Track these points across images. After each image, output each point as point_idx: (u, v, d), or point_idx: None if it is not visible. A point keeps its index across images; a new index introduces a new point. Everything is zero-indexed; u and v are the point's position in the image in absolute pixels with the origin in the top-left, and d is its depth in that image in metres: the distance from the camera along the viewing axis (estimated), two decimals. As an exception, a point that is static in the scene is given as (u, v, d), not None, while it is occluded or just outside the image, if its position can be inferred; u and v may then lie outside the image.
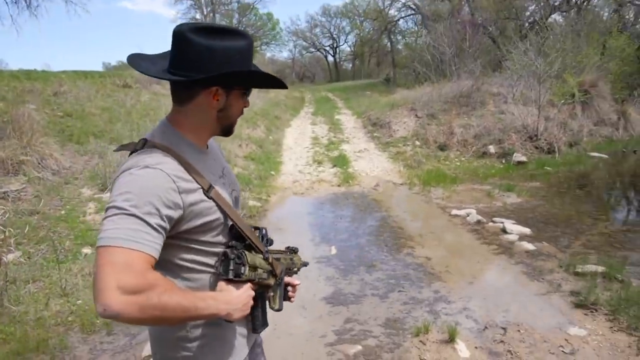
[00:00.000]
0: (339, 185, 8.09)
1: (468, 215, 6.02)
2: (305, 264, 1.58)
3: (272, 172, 8.79)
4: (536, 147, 10.35)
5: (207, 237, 1.22)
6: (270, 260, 1.28)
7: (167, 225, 1.08)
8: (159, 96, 12.49)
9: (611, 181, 8.60)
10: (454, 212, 6.27)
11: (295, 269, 1.52)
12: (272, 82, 1.29)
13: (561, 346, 3.04)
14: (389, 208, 6.71)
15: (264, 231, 1.31)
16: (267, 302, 1.35)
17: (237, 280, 1.16)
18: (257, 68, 1.32)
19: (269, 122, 13.57)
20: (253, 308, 1.30)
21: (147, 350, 3.10)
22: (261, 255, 1.26)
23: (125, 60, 1.34)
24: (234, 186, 1.40)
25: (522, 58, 12.49)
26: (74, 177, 6.45)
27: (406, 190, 7.76)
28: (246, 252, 1.17)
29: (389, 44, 35.05)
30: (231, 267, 1.14)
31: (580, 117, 12.36)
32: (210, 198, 1.17)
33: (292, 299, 1.49)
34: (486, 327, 3.32)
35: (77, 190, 6.05)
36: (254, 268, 1.19)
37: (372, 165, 9.52)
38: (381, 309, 3.67)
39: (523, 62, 12.27)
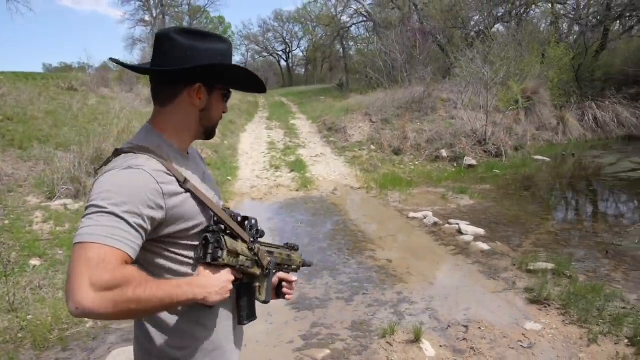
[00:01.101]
0: (297, 190, 8.09)
1: (425, 218, 6.18)
2: (307, 264, 1.58)
3: (229, 178, 8.67)
4: (485, 151, 10.79)
5: (192, 241, 1.21)
6: (256, 250, 1.28)
7: (147, 226, 1.07)
8: (107, 100, 12.04)
9: (554, 183, 9.11)
10: (412, 214, 6.42)
11: (294, 267, 1.51)
12: (254, 82, 1.30)
13: (520, 341, 3.18)
14: (348, 212, 6.78)
15: (253, 221, 1.30)
16: (255, 294, 1.34)
17: (215, 264, 1.16)
18: None
19: (223, 126, 13.36)
20: (238, 298, 1.31)
21: (107, 364, 2.97)
22: (245, 245, 1.25)
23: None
24: (216, 190, 1.40)
25: (470, 65, 13.02)
26: (17, 184, 6.09)
27: (364, 194, 7.88)
28: (226, 237, 1.17)
29: (341, 49, 35.40)
30: (209, 251, 1.15)
31: (524, 122, 13.01)
32: (187, 190, 1.17)
33: (287, 296, 1.49)
34: (449, 326, 3.43)
35: (22, 199, 5.71)
36: (235, 254, 1.20)
37: (330, 169, 9.59)
38: (347, 312, 3.71)
39: (471, 69, 12.78)
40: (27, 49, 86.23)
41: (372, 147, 11.23)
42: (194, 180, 1.23)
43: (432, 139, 11.14)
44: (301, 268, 1.56)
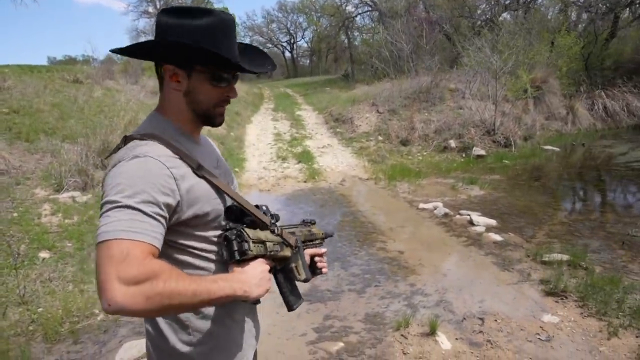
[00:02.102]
0: (305, 181, 8.03)
1: (435, 209, 6.11)
2: (329, 235, 1.55)
3: (236, 169, 8.61)
4: (494, 141, 10.67)
5: (208, 232, 1.16)
6: (278, 231, 1.23)
7: (166, 214, 1.02)
8: (112, 92, 11.99)
9: (564, 173, 8.97)
10: (421, 205, 6.35)
11: (318, 240, 1.48)
12: (229, 62, 1.14)
13: (537, 334, 3.12)
14: (357, 203, 6.71)
15: (264, 208, 1.25)
16: (294, 276, 1.31)
17: (245, 260, 1.11)
18: (231, 51, 1.17)
19: (229, 118, 13.29)
20: (279, 285, 1.28)
21: (119, 358, 2.93)
22: (267, 230, 1.20)
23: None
24: (230, 177, 1.37)
25: (478, 54, 12.85)
26: (25, 177, 6.05)
27: (372, 185, 7.80)
28: (246, 229, 1.12)
29: (346, 40, 35.17)
30: (235, 248, 1.09)
31: (532, 112, 12.86)
32: (201, 177, 1.13)
33: (323, 270, 1.46)
34: (464, 318, 3.37)
35: (30, 191, 5.68)
36: (260, 242, 1.15)
37: (337, 160, 9.51)
38: (359, 304, 3.65)
39: (479, 58, 12.61)
40: (31, 42, 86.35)
41: (380, 137, 11.14)
42: (207, 166, 1.19)
43: (440, 130, 11.03)
44: (325, 240, 1.53)
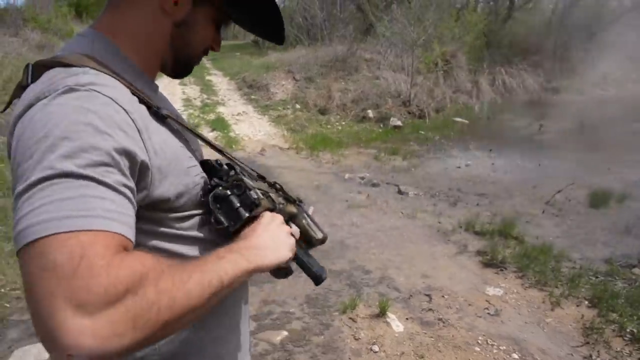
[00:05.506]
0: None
1: (363, 179, 5.94)
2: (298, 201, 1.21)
3: (142, 137, 7.74)
4: (409, 112, 10.80)
5: (186, 224, 0.75)
6: (273, 182, 0.95)
7: (132, 184, 0.59)
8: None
9: (479, 145, 9.22)
10: (347, 176, 6.15)
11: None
12: (267, 23, 0.89)
13: (486, 308, 3.04)
14: (280, 174, 6.32)
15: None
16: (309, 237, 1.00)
17: (253, 218, 0.76)
18: None
19: (130, 80, 12.01)
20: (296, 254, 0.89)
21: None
22: (264, 182, 0.92)
23: None
24: (196, 144, 0.92)
25: (393, 26, 12.85)
26: None
27: (294, 154, 7.45)
28: (243, 177, 0.79)
29: (255, 4, 33.77)
30: (236, 205, 0.74)
31: (442, 85, 13.26)
32: (166, 117, 0.71)
33: None
34: (411, 296, 3.20)
35: None
36: (264, 193, 0.82)
37: (254, 129, 8.97)
38: (298, 286, 3.32)
39: (395, 29, 12.62)
40: None
41: (297, 106, 10.75)
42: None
43: (358, 99, 10.91)
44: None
